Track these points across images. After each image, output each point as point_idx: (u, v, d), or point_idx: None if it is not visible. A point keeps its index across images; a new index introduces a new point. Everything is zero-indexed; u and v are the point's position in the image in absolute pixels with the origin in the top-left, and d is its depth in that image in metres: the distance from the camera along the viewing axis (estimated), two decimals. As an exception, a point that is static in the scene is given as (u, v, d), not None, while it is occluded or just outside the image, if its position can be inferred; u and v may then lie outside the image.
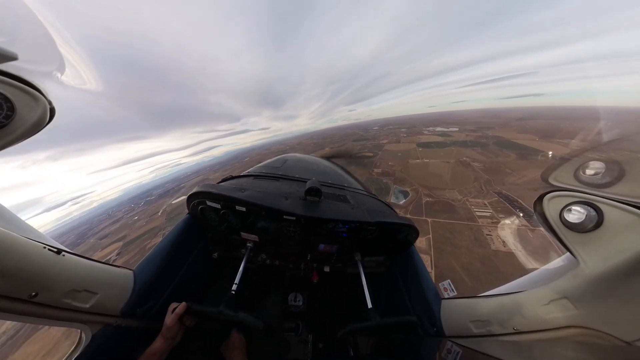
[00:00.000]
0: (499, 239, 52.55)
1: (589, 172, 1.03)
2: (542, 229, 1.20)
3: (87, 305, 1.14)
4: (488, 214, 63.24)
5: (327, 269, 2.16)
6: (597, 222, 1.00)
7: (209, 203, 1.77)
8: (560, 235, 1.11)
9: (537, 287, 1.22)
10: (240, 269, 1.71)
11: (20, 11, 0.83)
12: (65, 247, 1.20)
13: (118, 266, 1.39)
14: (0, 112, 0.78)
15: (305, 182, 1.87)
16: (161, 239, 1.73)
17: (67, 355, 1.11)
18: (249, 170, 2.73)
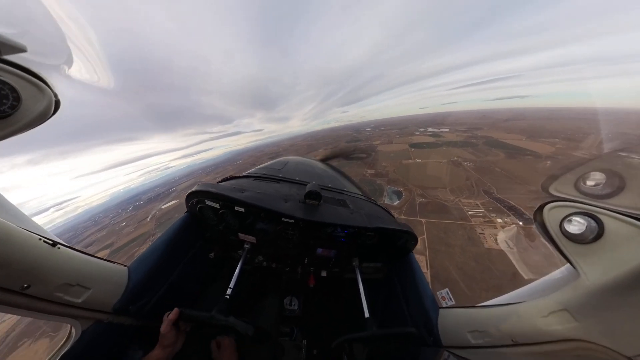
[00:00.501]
0: (492, 237, 53.48)
1: (589, 182, 1.02)
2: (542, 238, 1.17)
3: (79, 300, 1.11)
4: (480, 213, 64.43)
5: (324, 273, 2.14)
6: (597, 233, 0.99)
7: (208, 202, 1.75)
8: (560, 246, 1.09)
9: (537, 299, 1.21)
10: (237, 270, 1.69)
11: (31, 5, 0.85)
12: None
13: (113, 262, 1.35)
14: (6, 102, 0.79)
15: (305, 185, 1.86)
16: (158, 236, 1.69)
17: (55, 351, 1.08)
18: (249, 171, 2.70)
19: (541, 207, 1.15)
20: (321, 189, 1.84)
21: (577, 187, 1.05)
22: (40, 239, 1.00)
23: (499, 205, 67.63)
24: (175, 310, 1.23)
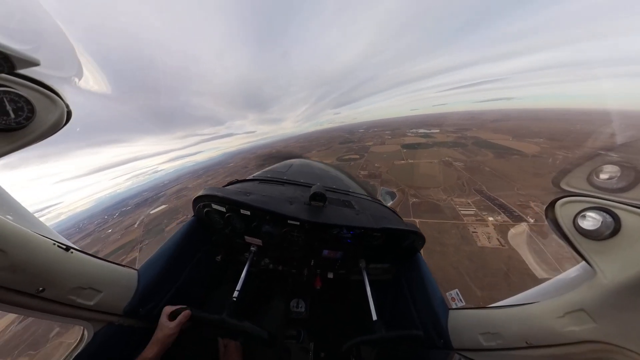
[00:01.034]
0: (484, 236, 54.32)
1: (603, 176, 0.97)
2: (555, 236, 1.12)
3: (92, 303, 1.14)
4: (472, 212, 65.52)
5: (330, 275, 2.12)
6: (614, 229, 0.94)
7: (214, 206, 1.79)
8: (575, 243, 1.04)
9: (551, 298, 1.15)
10: (243, 273, 1.71)
11: (43, 20, 0.86)
12: None
13: (124, 265, 1.39)
14: (21, 114, 0.83)
15: (310, 187, 1.86)
16: (166, 240, 1.72)
17: (68, 352, 1.13)
18: (254, 174, 2.72)
19: (553, 203, 1.10)
20: (326, 190, 1.85)
21: (590, 181, 1.00)
22: (54, 244, 1.04)
23: (489, 203, 69.07)
24: (187, 312, 1.25)
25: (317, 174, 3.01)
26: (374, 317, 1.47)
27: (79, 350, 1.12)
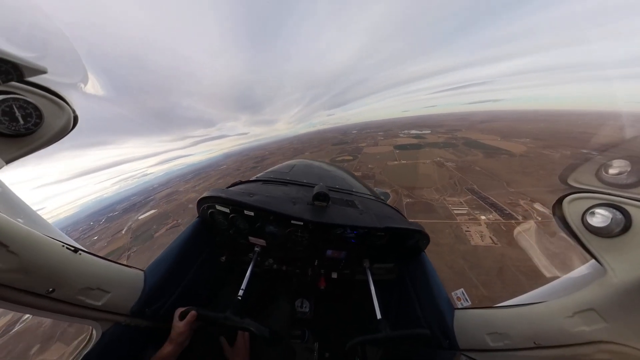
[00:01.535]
0: (477, 235, 55.13)
1: (612, 171, 0.94)
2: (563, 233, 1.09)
3: (100, 303, 1.17)
4: (465, 211, 66.53)
5: (334, 275, 2.13)
6: (624, 225, 0.91)
7: (218, 207, 1.81)
8: (584, 240, 1.02)
9: (560, 298, 1.13)
10: (248, 273, 1.73)
11: (49, 29, 0.89)
12: None
13: (130, 266, 1.43)
14: (29, 120, 0.88)
15: (313, 187, 1.87)
16: (171, 241, 1.75)
17: (77, 351, 1.16)
18: (257, 175, 2.73)
19: (560, 200, 1.07)
20: (329, 190, 1.84)
21: (598, 176, 0.97)
22: (63, 246, 1.06)
23: (481, 202, 70.38)
24: (193, 312, 1.30)
25: (319, 174, 3.00)
26: (379, 316, 1.47)
27: (87, 349, 1.14)
